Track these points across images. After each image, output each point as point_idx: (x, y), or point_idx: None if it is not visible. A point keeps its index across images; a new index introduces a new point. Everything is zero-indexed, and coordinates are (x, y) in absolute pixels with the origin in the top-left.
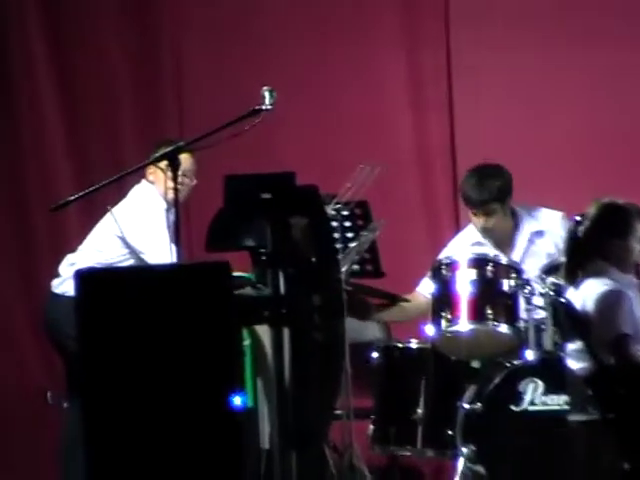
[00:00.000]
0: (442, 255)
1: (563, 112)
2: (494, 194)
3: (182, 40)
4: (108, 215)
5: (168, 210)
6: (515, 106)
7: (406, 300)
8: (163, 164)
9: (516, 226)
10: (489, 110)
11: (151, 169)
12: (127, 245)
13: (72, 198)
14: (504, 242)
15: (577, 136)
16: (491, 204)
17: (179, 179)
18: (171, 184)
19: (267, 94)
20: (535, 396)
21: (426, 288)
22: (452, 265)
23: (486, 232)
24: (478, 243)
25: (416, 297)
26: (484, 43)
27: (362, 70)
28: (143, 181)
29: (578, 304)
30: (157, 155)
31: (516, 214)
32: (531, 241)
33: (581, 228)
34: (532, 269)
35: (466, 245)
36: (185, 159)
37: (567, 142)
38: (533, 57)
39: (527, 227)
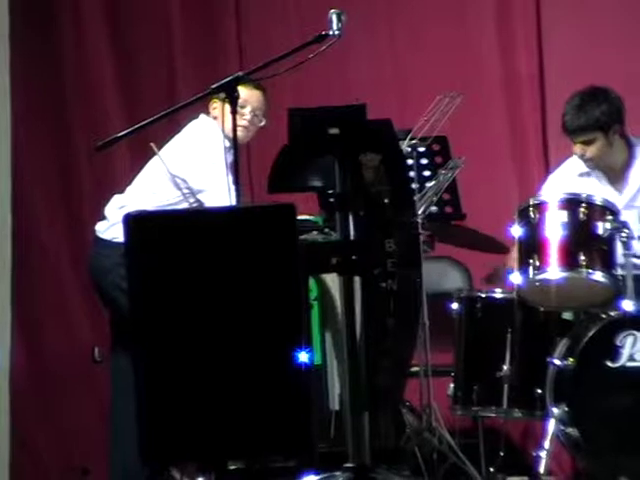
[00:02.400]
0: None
1: None
2: (592, 121)
3: None
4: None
5: (227, 150)
6: (610, 31)
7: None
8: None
9: (630, 158)
10: (581, 36)
11: (216, 103)
12: (178, 186)
13: (120, 134)
14: (614, 176)
15: None
16: (589, 132)
17: (248, 117)
18: (235, 121)
19: (334, 17)
20: (634, 351)
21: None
22: (540, 206)
23: (586, 162)
24: (586, 174)
25: None
26: None
27: None
28: (202, 116)
29: None
30: (214, 86)
31: (631, 145)
32: None
33: None
34: None
35: (572, 177)
36: (255, 96)
37: None
38: None
39: None
